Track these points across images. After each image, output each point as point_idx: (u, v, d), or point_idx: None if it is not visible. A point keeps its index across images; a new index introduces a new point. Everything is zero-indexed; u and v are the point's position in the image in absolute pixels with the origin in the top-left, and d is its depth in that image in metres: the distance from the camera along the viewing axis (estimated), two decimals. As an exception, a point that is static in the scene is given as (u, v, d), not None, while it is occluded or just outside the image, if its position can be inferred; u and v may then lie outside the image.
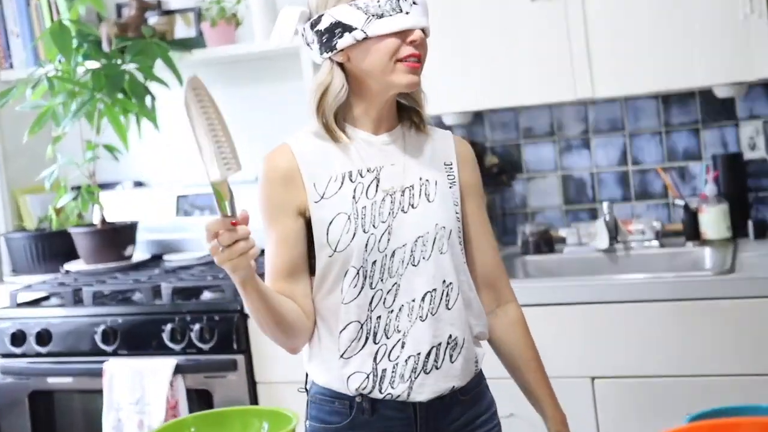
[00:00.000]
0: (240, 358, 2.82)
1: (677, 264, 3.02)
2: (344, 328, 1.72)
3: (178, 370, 2.82)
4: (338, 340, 1.73)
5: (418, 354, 1.72)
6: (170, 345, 2.85)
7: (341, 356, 1.72)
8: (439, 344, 1.74)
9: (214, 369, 2.84)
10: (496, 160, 3.33)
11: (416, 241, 1.74)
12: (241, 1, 3.41)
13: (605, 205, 3.12)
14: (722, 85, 2.89)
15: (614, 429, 2.59)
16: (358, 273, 1.72)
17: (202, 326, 2.80)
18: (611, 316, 2.66)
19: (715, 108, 3.16)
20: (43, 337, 2.95)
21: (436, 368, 1.74)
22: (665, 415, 2.45)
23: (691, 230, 3.07)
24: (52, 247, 3.44)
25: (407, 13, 1.68)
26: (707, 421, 1.14)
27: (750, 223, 3.05)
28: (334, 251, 1.71)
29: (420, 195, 1.77)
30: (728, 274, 2.61)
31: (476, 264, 1.85)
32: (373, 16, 1.67)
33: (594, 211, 3.33)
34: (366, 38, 1.67)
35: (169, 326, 2.82)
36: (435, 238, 1.75)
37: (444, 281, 1.76)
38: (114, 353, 2.91)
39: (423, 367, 1.73)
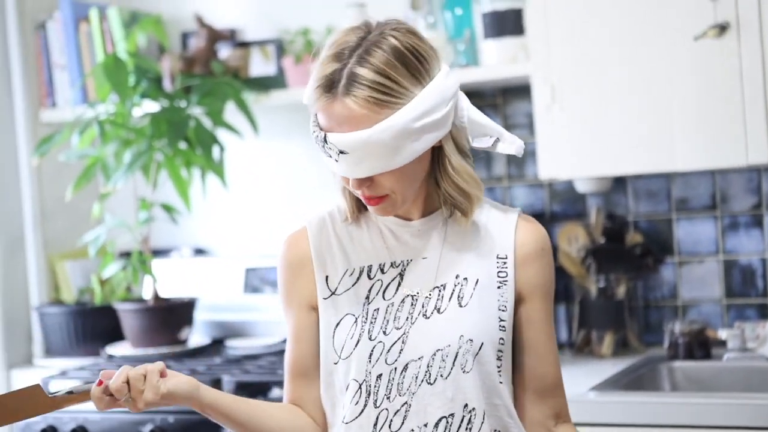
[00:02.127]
0: None
1: None
2: None
3: None
4: None
5: None
6: None
7: None
8: None
9: None
10: (639, 238, 3.30)
11: (434, 354, 1.77)
12: (331, 32, 3.36)
13: None
14: None
15: None
16: (360, 388, 1.76)
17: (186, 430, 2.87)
18: None
19: None
20: (78, 436, 2.97)
21: None
22: None
23: None
24: (93, 326, 3.47)
25: (336, 161, 1.72)
26: None
27: None
28: (339, 358, 1.77)
29: (451, 298, 1.80)
30: None
31: (532, 375, 1.84)
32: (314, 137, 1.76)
33: (764, 308, 3.26)
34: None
35: (148, 428, 2.89)
36: (458, 353, 1.77)
37: (466, 406, 1.77)
38: None
39: None
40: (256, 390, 3.00)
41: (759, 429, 2.60)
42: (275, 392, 2.98)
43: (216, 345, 3.55)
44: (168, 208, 3.41)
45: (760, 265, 3.27)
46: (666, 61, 2.96)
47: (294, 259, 1.85)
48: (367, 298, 1.80)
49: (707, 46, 2.89)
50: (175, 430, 2.96)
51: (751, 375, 3.04)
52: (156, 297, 3.40)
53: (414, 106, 1.67)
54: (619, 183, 3.36)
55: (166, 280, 3.55)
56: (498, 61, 3.21)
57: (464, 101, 1.81)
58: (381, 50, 1.68)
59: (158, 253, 3.64)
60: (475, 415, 1.77)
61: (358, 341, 1.77)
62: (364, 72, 1.65)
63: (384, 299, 1.79)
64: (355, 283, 1.81)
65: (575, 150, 3.05)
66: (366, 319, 1.78)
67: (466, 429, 1.77)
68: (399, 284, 1.80)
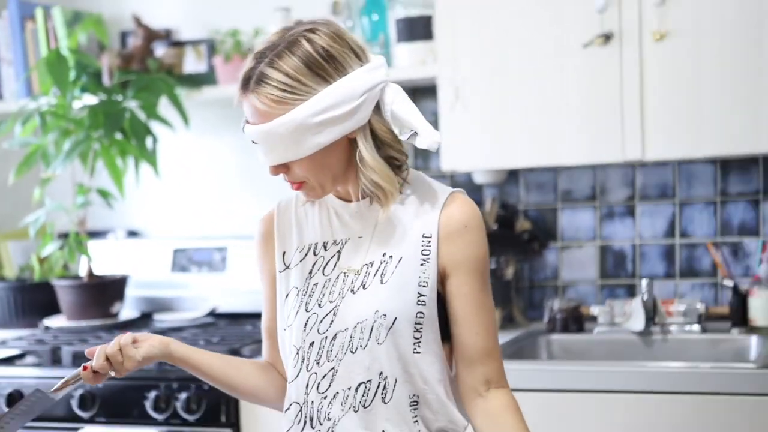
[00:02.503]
0: None
1: (719, 353, 3.00)
2: (288, 408, 1.83)
3: None
4: (285, 418, 1.85)
5: None
6: (153, 414, 2.88)
7: None
8: None
9: None
10: (528, 225, 3.34)
11: (356, 326, 1.78)
12: (260, 34, 3.45)
13: (645, 282, 3.11)
14: None
15: None
16: (297, 353, 1.80)
17: (190, 395, 2.84)
18: (642, 408, 2.66)
19: None
20: (15, 399, 2.94)
21: None
22: None
23: (739, 315, 3.06)
24: (32, 300, 3.45)
25: (254, 142, 1.75)
26: None
27: None
28: (286, 326, 1.83)
29: (375, 275, 1.80)
30: None
31: (462, 345, 1.83)
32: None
33: (632, 287, 3.33)
34: None
35: (153, 394, 2.85)
36: (373, 327, 1.78)
37: (381, 374, 1.78)
38: (91, 420, 2.92)
39: None
40: None
41: (623, 392, 2.68)
42: None
43: (144, 318, 3.53)
44: (103, 194, 3.39)
45: (630, 251, 3.34)
46: (557, 66, 2.99)
47: (263, 236, 1.90)
48: (310, 273, 1.82)
49: (594, 53, 2.94)
50: (103, 394, 2.93)
51: (618, 346, 3.12)
52: (90, 274, 3.39)
53: (313, 103, 1.68)
54: (512, 175, 3.40)
55: (100, 259, 3.54)
56: (409, 63, 3.22)
57: (391, 95, 1.79)
58: (290, 52, 1.70)
59: (94, 234, 3.61)
60: (388, 382, 1.78)
61: (297, 312, 1.80)
62: (270, 72, 1.68)
63: (323, 275, 1.81)
64: (303, 258, 1.83)
65: (474, 145, 3.09)
66: (306, 292, 1.81)
67: (381, 394, 1.78)
68: (337, 261, 1.82)
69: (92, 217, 3.61)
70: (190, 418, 2.87)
